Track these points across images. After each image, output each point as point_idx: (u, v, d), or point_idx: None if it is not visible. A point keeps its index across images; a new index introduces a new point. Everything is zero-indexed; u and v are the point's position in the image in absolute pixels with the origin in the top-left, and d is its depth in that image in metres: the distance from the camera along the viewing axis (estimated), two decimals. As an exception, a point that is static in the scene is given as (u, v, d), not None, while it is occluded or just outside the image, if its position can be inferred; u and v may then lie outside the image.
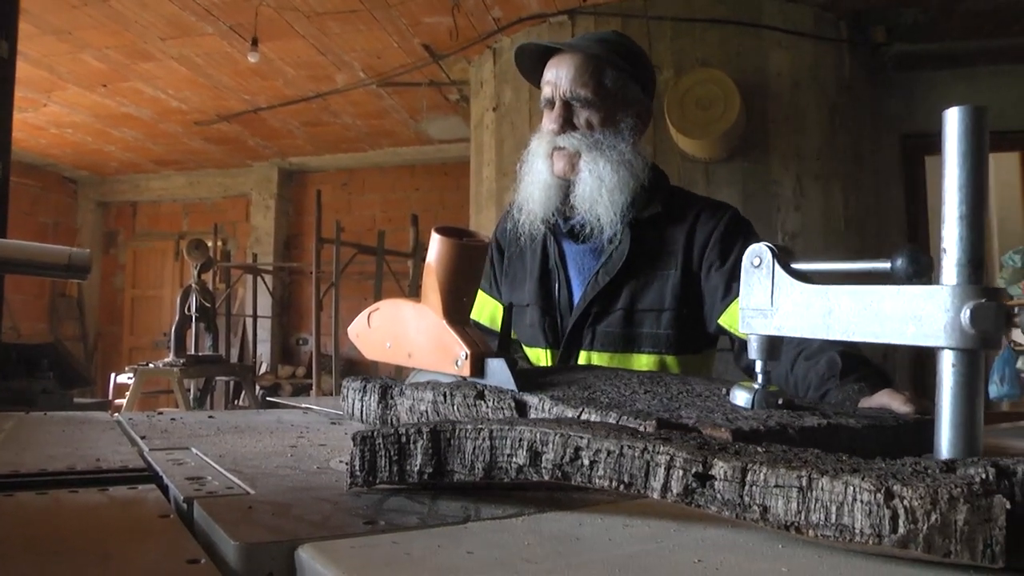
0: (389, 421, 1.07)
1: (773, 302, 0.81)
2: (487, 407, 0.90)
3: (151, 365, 5.51)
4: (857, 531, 0.44)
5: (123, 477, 0.77)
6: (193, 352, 5.94)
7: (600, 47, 1.54)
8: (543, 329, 1.61)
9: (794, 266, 0.81)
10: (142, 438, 1.03)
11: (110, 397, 6.49)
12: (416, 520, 0.58)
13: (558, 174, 1.54)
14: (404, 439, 0.66)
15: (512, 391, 0.91)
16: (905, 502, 0.43)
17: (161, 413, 1.44)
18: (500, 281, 1.76)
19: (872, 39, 4.75)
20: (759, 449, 0.53)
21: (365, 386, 1.11)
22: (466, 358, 0.97)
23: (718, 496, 0.50)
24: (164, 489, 0.74)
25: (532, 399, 0.87)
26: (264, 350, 8.09)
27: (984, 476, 0.45)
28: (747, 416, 0.79)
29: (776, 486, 0.47)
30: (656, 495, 0.52)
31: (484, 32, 4.77)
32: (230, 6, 4.67)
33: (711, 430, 0.70)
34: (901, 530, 0.43)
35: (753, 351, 0.83)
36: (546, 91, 1.55)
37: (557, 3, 4.42)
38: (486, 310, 1.77)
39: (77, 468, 0.79)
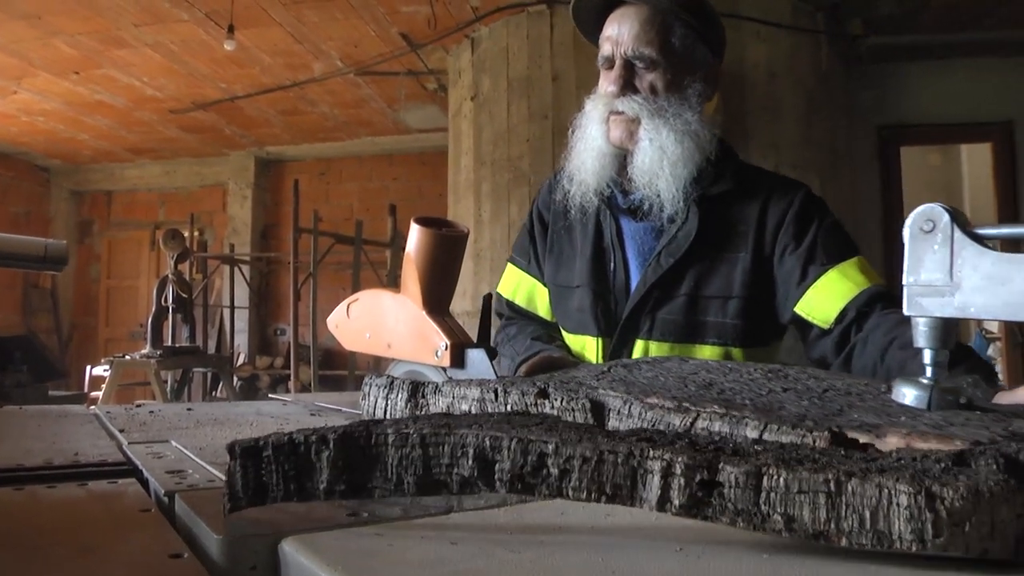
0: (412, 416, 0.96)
1: (953, 276, 0.66)
2: (552, 408, 0.75)
3: (127, 357, 5.45)
4: (896, 537, 0.40)
5: (102, 471, 0.76)
6: (170, 343, 5.89)
7: (668, 1, 1.37)
8: (595, 314, 1.44)
9: (978, 231, 0.67)
10: (120, 431, 1.02)
11: (86, 390, 6.42)
12: (399, 511, 0.58)
13: (614, 142, 1.38)
14: (303, 448, 0.54)
15: (589, 389, 0.78)
16: (947, 503, 0.39)
17: (140, 405, 1.43)
18: (543, 257, 1.59)
19: (849, 31, 4.79)
20: (758, 448, 0.49)
21: (392, 383, 0.99)
22: (446, 348, 0.97)
23: (730, 506, 0.44)
24: (144, 483, 0.73)
25: (614, 400, 0.73)
26: (242, 341, 8.04)
27: (996, 466, 0.43)
28: (950, 422, 0.61)
29: (800, 492, 0.42)
30: (651, 507, 0.46)
31: (462, 21, 4.75)
32: (205, -8, 4.62)
33: (928, 442, 0.55)
34: (944, 534, 0.39)
35: (922, 338, 0.69)
36: (605, 48, 1.38)
37: (536, -8, 4.41)
38: (523, 288, 1.62)
39: (55, 463, 0.78)
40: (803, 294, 1.32)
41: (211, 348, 7.29)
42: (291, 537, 0.51)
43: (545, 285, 1.59)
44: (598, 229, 1.47)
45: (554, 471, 0.50)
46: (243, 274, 7.62)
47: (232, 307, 7.42)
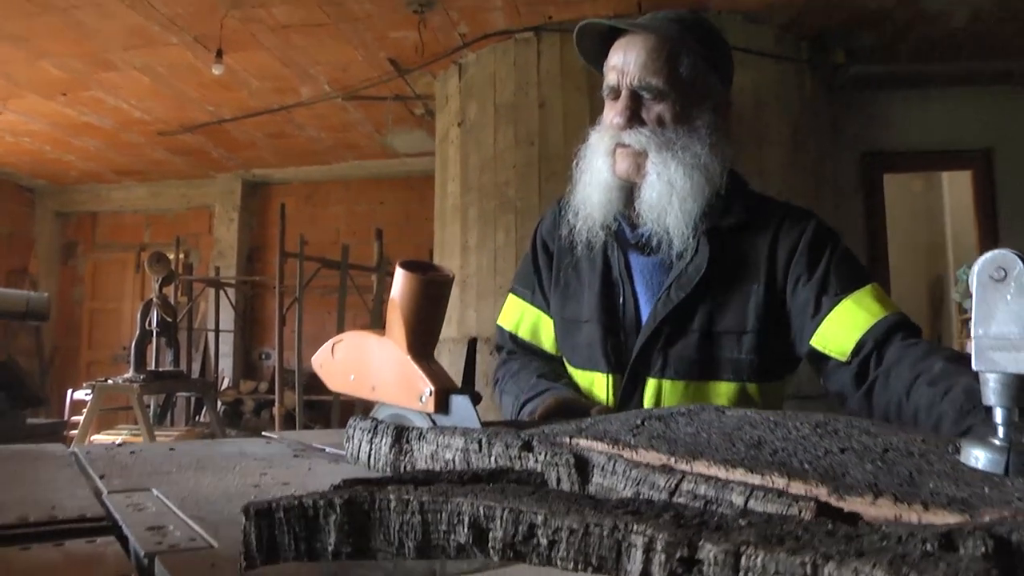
0: (402, 470, 0.95)
1: None
2: (536, 461, 0.74)
3: (110, 381, 5.41)
4: None
5: (80, 528, 0.75)
6: (154, 367, 5.85)
7: (675, 28, 1.33)
8: (605, 350, 1.39)
9: None
10: (100, 477, 1.01)
11: (67, 414, 6.35)
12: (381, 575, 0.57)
13: (621, 175, 1.35)
14: (312, 512, 0.56)
15: (571, 445, 0.77)
16: None
17: (120, 445, 1.41)
18: (548, 289, 1.55)
19: (832, 60, 4.86)
20: (742, 522, 0.48)
21: (376, 427, 0.99)
22: (430, 394, 0.97)
23: None
24: (124, 540, 0.72)
25: (599, 457, 0.71)
26: (226, 364, 7.99)
27: (985, 550, 0.42)
28: None
29: (776, 572, 0.43)
30: None
31: (450, 47, 4.78)
32: (194, 17, 4.62)
33: None
34: None
35: (993, 395, 0.64)
36: (610, 78, 1.34)
37: (523, 20, 4.45)
38: (527, 320, 1.58)
39: (30, 519, 0.77)
40: (818, 326, 1.28)
41: (195, 372, 7.24)
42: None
43: (551, 316, 1.54)
44: (606, 262, 1.43)
45: (544, 541, 0.51)
46: (228, 297, 7.58)
47: (217, 331, 7.39)
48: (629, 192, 1.36)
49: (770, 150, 4.40)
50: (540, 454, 0.73)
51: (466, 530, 0.54)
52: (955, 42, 4.81)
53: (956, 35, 4.71)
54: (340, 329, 6.14)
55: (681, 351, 1.34)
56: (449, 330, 4.54)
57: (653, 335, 1.34)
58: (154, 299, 5.86)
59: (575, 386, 1.47)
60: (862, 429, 0.77)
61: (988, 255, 0.64)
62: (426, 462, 0.91)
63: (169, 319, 5.93)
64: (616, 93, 1.35)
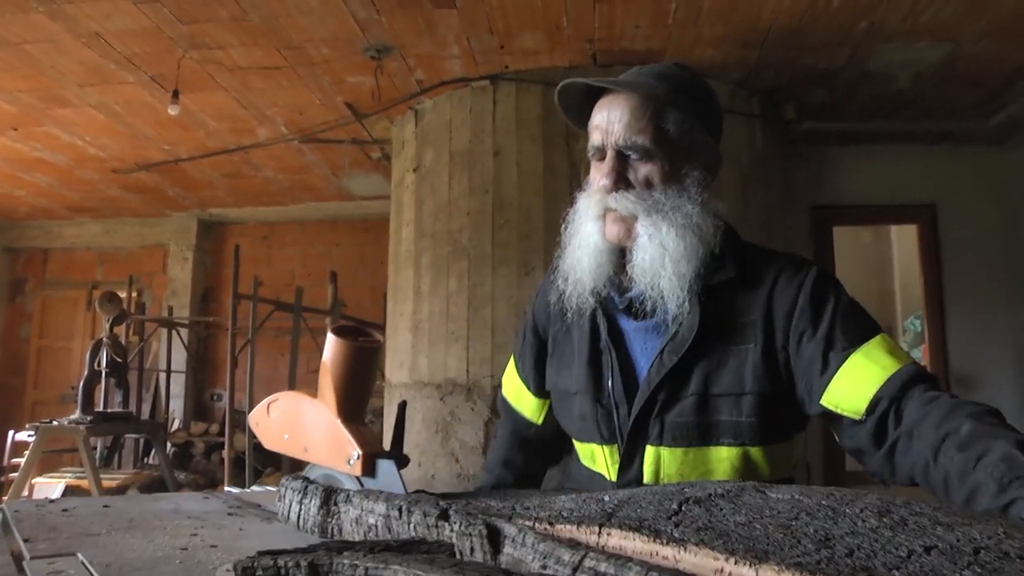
0: (330, 531, 0.97)
1: None
2: (451, 531, 0.76)
3: (55, 422, 5.29)
4: None
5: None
6: (102, 408, 5.74)
7: (661, 84, 1.29)
8: (596, 421, 1.36)
9: None
10: (25, 540, 1.01)
11: (6, 458, 6.18)
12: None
13: (611, 239, 1.30)
14: (283, 571, 0.65)
15: (484, 518, 0.77)
16: None
17: (53, 502, 1.40)
18: (535, 362, 1.54)
19: (783, 115, 5.02)
20: None
21: (306, 488, 1.01)
22: (358, 458, 0.99)
23: None
24: (39, 611, 0.73)
25: (510, 529, 0.72)
26: (177, 405, 7.86)
27: None
28: None
29: None
30: None
31: (407, 93, 4.84)
32: (152, 56, 4.63)
33: None
34: None
35: None
36: (595, 138, 1.30)
37: (480, 68, 4.53)
38: (512, 386, 1.62)
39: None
40: (827, 384, 1.21)
41: (145, 413, 7.11)
42: None
43: (529, 390, 1.57)
44: (594, 331, 1.39)
45: None
46: (181, 338, 7.48)
47: (168, 371, 7.28)
48: (619, 256, 1.32)
49: (721, 201, 4.49)
50: (456, 524, 0.76)
51: None
52: (900, 102, 5.01)
53: (901, 95, 4.90)
54: (293, 372, 6.09)
55: (677, 417, 1.28)
56: (402, 375, 4.54)
57: (648, 402, 1.29)
58: (104, 339, 5.78)
59: (578, 460, 1.46)
60: (932, 519, 0.70)
61: None
62: (351, 525, 0.94)
63: (119, 359, 5.84)
64: (601, 154, 1.31)
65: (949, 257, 5.53)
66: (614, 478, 1.35)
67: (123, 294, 6.83)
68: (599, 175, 1.30)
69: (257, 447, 5.44)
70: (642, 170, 1.28)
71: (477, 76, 4.58)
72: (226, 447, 5.65)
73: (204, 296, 8.46)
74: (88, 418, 5.26)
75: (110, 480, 5.31)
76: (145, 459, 6.99)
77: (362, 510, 0.91)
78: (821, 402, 1.21)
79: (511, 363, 1.64)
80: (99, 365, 5.68)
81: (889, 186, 5.57)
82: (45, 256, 9.05)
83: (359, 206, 7.70)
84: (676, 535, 0.68)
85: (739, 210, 4.55)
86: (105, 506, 1.37)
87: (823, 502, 0.77)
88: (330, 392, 1.04)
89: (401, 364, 4.56)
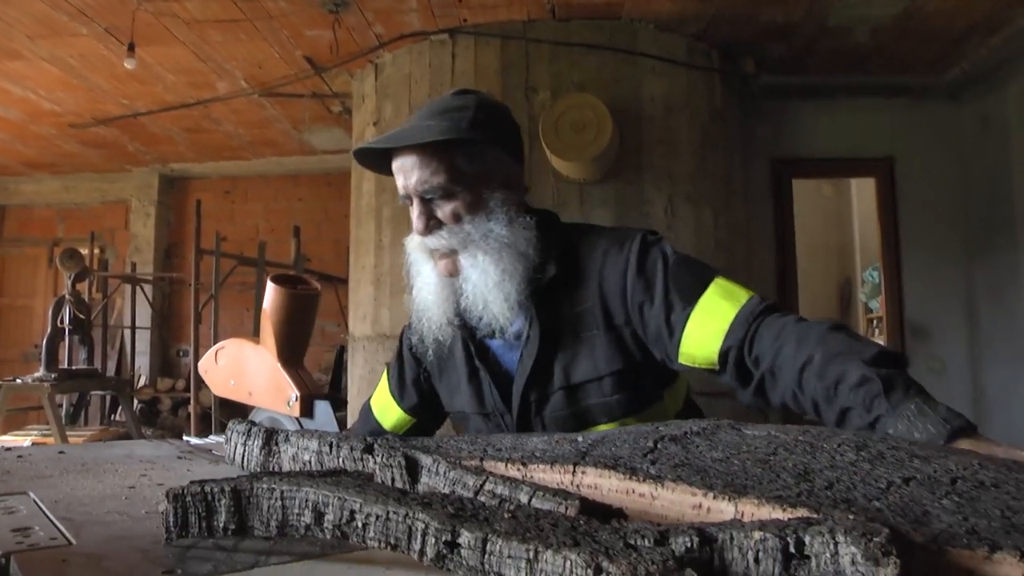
0: (272, 469, 1.02)
1: None
2: (374, 463, 0.82)
3: (18, 380, 5.28)
4: None
5: (-53, 530, 0.80)
6: (66, 366, 5.73)
7: (444, 123, 1.33)
8: (490, 433, 1.41)
9: None
10: (-21, 482, 1.05)
11: (-29, 415, 6.16)
12: (209, 567, 0.65)
13: (443, 274, 1.39)
14: (210, 496, 0.70)
15: (403, 448, 0.82)
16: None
17: (8, 450, 1.44)
18: (412, 380, 1.61)
19: (742, 69, 5.04)
20: (507, 515, 0.58)
21: (250, 430, 1.07)
22: (296, 399, 1.04)
23: (464, 563, 0.55)
24: (-12, 540, 0.78)
25: (426, 460, 0.77)
26: (143, 362, 7.84)
27: (689, 544, 0.50)
28: None
29: (509, 556, 0.52)
30: (416, 557, 0.58)
31: (366, 47, 4.81)
32: (104, 8, 4.54)
33: None
34: None
35: None
36: (400, 188, 1.37)
37: (438, 22, 4.51)
38: (379, 401, 1.68)
39: (-100, 521, 0.82)
40: (678, 347, 1.28)
41: (111, 370, 7.10)
42: (103, 598, 0.57)
43: (399, 406, 1.63)
44: (468, 355, 1.47)
45: (360, 524, 0.63)
46: (145, 294, 7.44)
47: (133, 328, 7.25)
48: (455, 290, 1.39)
49: (680, 156, 4.54)
50: (379, 456, 0.82)
51: (310, 512, 0.66)
52: (859, 56, 5.06)
53: (859, 50, 4.95)
54: (257, 327, 6.10)
55: (553, 412, 1.38)
56: (364, 328, 4.58)
57: (523, 405, 1.39)
58: (67, 296, 5.75)
59: None
60: (909, 452, 0.72)
61: None
62: (290, 463, 0.99)
63: (82, 316, 5.82)
64: (410, 200, 1.37)
65: (906, 210, 5.63)
66: None
67: (85, 251, 6.77)
68: (414, 219, 1.37)
69: (223, 402, 5.47)
70: (447, 208, 1.34)
71: (435, 30, 4.56)
72: (192, 402, 5.68)
73: (168, 252, 8.39)
74: (52, 375, 5.25)
75: (76, 437, 5.33)
76: (112, 416, 7.00)
77: (298, 448, 0.96)
78: (679, 362, 1.29)
79: (383, 379, 1.69)
80: (62, 322, 5.66)
81: (848, 139, 5.64)
82: (3, 213, 8.89)
83: (321, 160, 7.65)
84: (653, 472, 0.70)
85: (698, 164, 4.60)
86: (60, 452, 1.42)
87: (800, 438, 0.79)
88: (271, 338, 1.08)
89: (364, 317, 4.60)
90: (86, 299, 6.20)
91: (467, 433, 1.52)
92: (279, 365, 1.07)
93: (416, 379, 1.61)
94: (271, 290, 1.06)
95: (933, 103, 5.63)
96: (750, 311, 1.22)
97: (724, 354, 1.23)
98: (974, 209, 5.54)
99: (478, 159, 1.35)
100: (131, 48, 4.76)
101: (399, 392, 1.63)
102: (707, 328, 1.25)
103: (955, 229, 5.60)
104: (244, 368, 1.17)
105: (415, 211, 1.35)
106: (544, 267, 1.37)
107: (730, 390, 1.28)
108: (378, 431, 1.66)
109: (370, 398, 1.74)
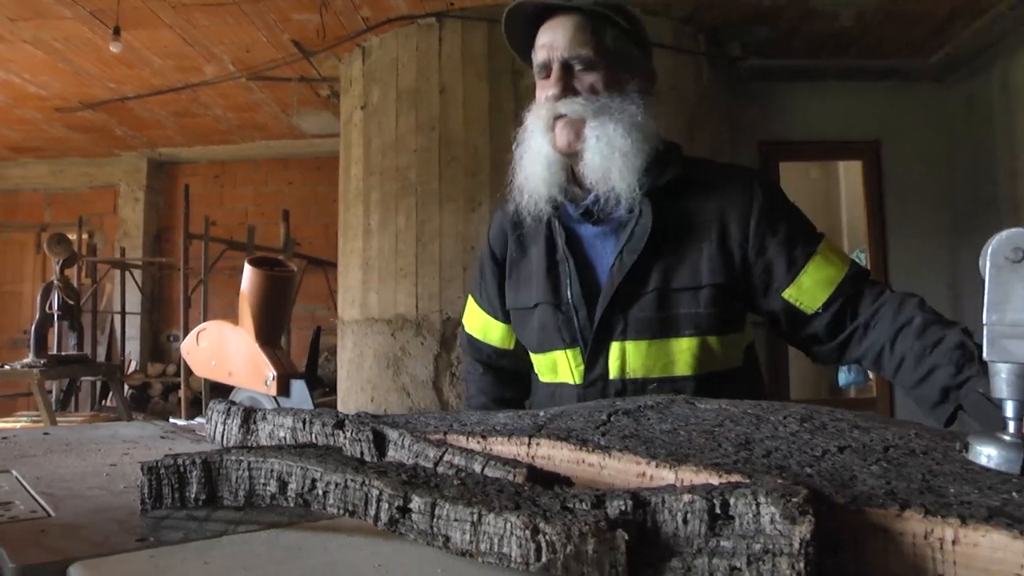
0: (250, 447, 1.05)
1: None
2: (344, 437, 0.85)
3: (7, 367, 5.29)
4: (512, 559, 0.53)
5: (-70, 504, 0.83)
6: (56, 351, 5.73)
7: (597, 5, 1.40)
8: (557, 328, 1.44)
9: None
10: (-37, 461, 1.08)
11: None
12: (181, 535, 0.68)
13: (561, 147, 1.38)
14: (183, 468, 0.73)
15: (372, 423, 0.84)
16: (547, 537, 0.52)
17: (-7, 430, 1.46)
18: (496, 290, 1.61)
19: (728, 52, 5.06)
20: (455, 481, 0.62)
21: (229, 409, 1.09)
22: (273, 378, 1.07)
23: (415, 526, 0.59)
24: (-30, 515, 0.80)
25: (392, 434, 0.80)
26: (133, 348, 7.85)
27: (623, 507, 0.54)
28: None
29: (455, 520, 0.56)
30: (372, 522, 0.62)
31: (353, 31, 4.80)
32: (89, -9, 4.53)
33: None
34: (544, 559, 0.52)
35: (1005, 387, 0.61)
36: (541, 56, 1.40)
37: (425, 5, 4.50)
38: (478, 322, 1.67)
39: None
40: (793, 280, 1.35)
41: (101, 356, 7.11)
42: (78, 563, 0.60)
43: (497, 319, 1.63)
44: (550, 244, 1.47)
45: (321, 492, 0.66)
46: (135, 279, 7.44)
47: (123, 313, 7.25)
48: (570, 166, 1.41)
49: (668, 138, 4.54)
50: (349, 431, 0.85)
51: (275, 482, 0.70)
52: (845, 39, 5.08)
53: (845, 33, 4.97)
54: (247, 311, 6.11)
55: (640, 311, 1.37)
56: (353, 312, 4.61)
57: (612, 301, 1.37)
58: (55, 281, 5.74)
59: (532, 373, 1.57)
60: (851, 423, 0.75)
61: (1003, 234, 0.60)
62: (267, 439, 1.02)
63: (71, 302, 5.82)
64: (547, 70, 1.39)
65: (892, 192, 5.68)
66: (579, 380, 1.43)
67: (73, 236, 6.76)
68: (547, 87, 1.39)
69: (214, 386, 5.49)
70: (587, 79, 1.37)
71: (422, 13, 4.55)
72: (182, 387, 5.71)
73: (157, 236, 8.38)
74: (42, 361, 5.26)
75: (67, 423, 5.35)
76: (103, 402, 7.01)
77: (274, 425, 0.99)
78: (783, 295, 1.36)
79: (471, 303, 1.70)
80: (50, 308, 5.65)
81: (836, 122, 5.67)
82: (-10, 198, 8.87)
83: (310, 144, 7.64)
84: (602, 443, 0.73)
85: (686, 147, 4.51)
86: (45, 434, 1.44)
87: (749, 411, 0.82)
88: (248, 319, 1.11)
89: (352, 301, 4.62)
90: (75, 284, 6.19)
91: (527, 333, 1.52)
92: (257, 345, 1.10)
93: (500, 283, 1.61)
94: (248, 272, 1.08)
95: (919, 86, 5.66)
96: (857, 272, 1.36)
97: (831, 301, 1.33)
98: (960, 191, 5.59)
99: (623, 45, 1.41)
100: (116, 32, 4.74)
101: (492, 307, 1.63)
102: (822, 273, 1.35)
103: (941, 211, 5.64)
104: (224, 349, 1.20)
105: (554, 76, 1.37)
106: (665, 170, 1.40)
107: (797, 341, 1.41)
108: (494, 354, 1.67)
109: (464, 328, 1.73)
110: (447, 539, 0.56)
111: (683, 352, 1.38)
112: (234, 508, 0.74)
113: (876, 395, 5.81)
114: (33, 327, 5.46)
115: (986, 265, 0.63)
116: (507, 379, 1.71)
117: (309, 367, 1.10)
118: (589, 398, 1.37)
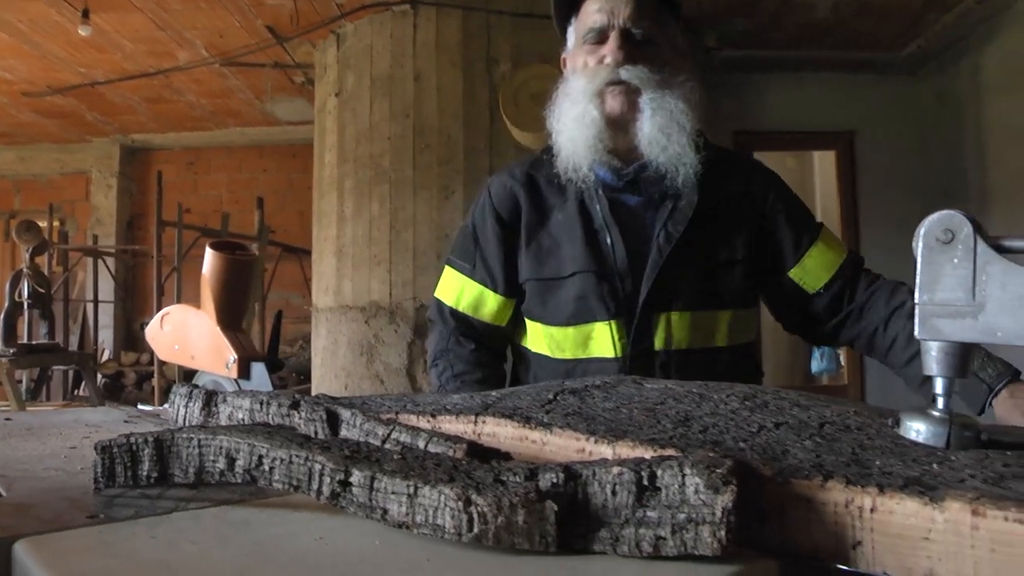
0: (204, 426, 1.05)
1: (976, 295, 0.59)
2: (299, 417, 0.86)
3: (-26, 355, 5.23)
4: (446, 530, 0.55)
5: None
6: (26, 340, 5.68)
7: None
8: (602, 297, 1.38)
9: (1006, 243, 0.59)
10: (-80, 443, 1.08)
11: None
12: (131, 512, 0.69)
13: (611, 113, 1.36)
14: (135, 447, 0.74)
15: (326, 403, 0.86)
16: (479, 508, 0.54)
17: (-46, 415, 1.46)
18: (499, 259, 1.51)
19: (704, 43, 5.08)
20: (396, 456, 0.64)
21: (191, 393, 1.09)
22: (234, 361, 1.07)
23: (355, 500, 0.60)
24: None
25: (344, 412, 0.81)
26: (106, 336, 7.78)
27: (555, 480, 0.55)
28: (1001, 475, 0.54)
29: (393, 492, 0.58)
30: (315, 496, 0.63)
31: (327, 17, 4.77)
32: (56, -29, 4.47)
33: (1006, 509, 0.47)
34: (476, 529, 0.53)
35: (935, 364, 0.62)
36: (596, 19, 1.38)
37: (400, -8, 4.49)
38: (467, 294, 1.53)
39: None
40: (799, 259, 1.43)
41: (74, 344, 7.04)
42: (25, 539, 0.61)
43: (496, 291, 1.52)
44: (584, 213, 1.42)
45: (267, 467, 0.68)
46: (108, 267, 7.37)
47: (96, 301, 7.19)
48: (616, 135, 1.38)
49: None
50: (303, 412, 0.86)
51: (224, 459, 0.71)
52: (821, 31, 5.12)
53: (821, 24, 5.01)
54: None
55: (687, 284, 1.37)
56: (327, 299, 4.60)
57: (660, 273, 1.36)
58: (25, 269, 5.67)
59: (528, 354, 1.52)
60: (792, 401, 0.76)
61: (935, 216, 0.61)
62: (226, 421, 1.03)
63: (42, 290, 5.75)
64: (602, 36, 1.38)
65: (865, 182, 5.74)
66: (619, 353, 1.38)
67: (44, 223, 6.68)
68: (601, 53, 1.38)
69: (188, 375, 5.47)
70: (645, 52, 1.37)
71: (397, 0, 4.53)
72: (156, 376, 5.67)
73: (130, 224, 8.31)
74: (11, 351, 5.20)
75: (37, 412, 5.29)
76: (75, 391, 6.96)
77: (233, 407, 1.00)
78: (789, 273, 1.44)
79: (454, 275, 1.57)
80: (20, 296, 5.59)
81: (810, 113, 5.72)
82: (-44, 185, 8.74)
83: (285, 131, 7.59)
84: (545, 420, 0.74)
85: None
86: (6, 419, 1.44)
87: (693, 390, 0.82)
88: (209, 302, 1.11)
89: (326, 288, 4.61)
90: (46, 272, 6.13)
91: (550, 305, 1.45)
92: (218, 328, 1.10)
93: (508, 249, 1.51)
94: (209, 255, 1.09)
95: (893, 78, 5.72)
96: (855, 259, 1.46)
97: (829, 284, 1.42)
98: (931, 181, 5.65)
99: (675, 29, 1.45)
100: (85, 14, 4.69)
101: (490, 278, 1.52)
102: (824, 257, 1.44)
103: (913, 200, 5.70)
104: (187, 333, 1.20)
105: (613, 43, 1.36)
106: (699, 149, 1.39)
107: (793, 322, 1.52)
108: (486, 329, 1.55)
109: (443, 302, 1.58)
110: (385, 511, 0.58)
111: (721, 324, 1.42)
112: (186, 486, 0.75)
113: (847, 382, 5.88)
114: (2, 316, 5.40)
115: (919, 246, 0.64)
116: (500, 355, 1.62)
117: (270, 351, 1.11)
118: (633, 371, 1.33)
